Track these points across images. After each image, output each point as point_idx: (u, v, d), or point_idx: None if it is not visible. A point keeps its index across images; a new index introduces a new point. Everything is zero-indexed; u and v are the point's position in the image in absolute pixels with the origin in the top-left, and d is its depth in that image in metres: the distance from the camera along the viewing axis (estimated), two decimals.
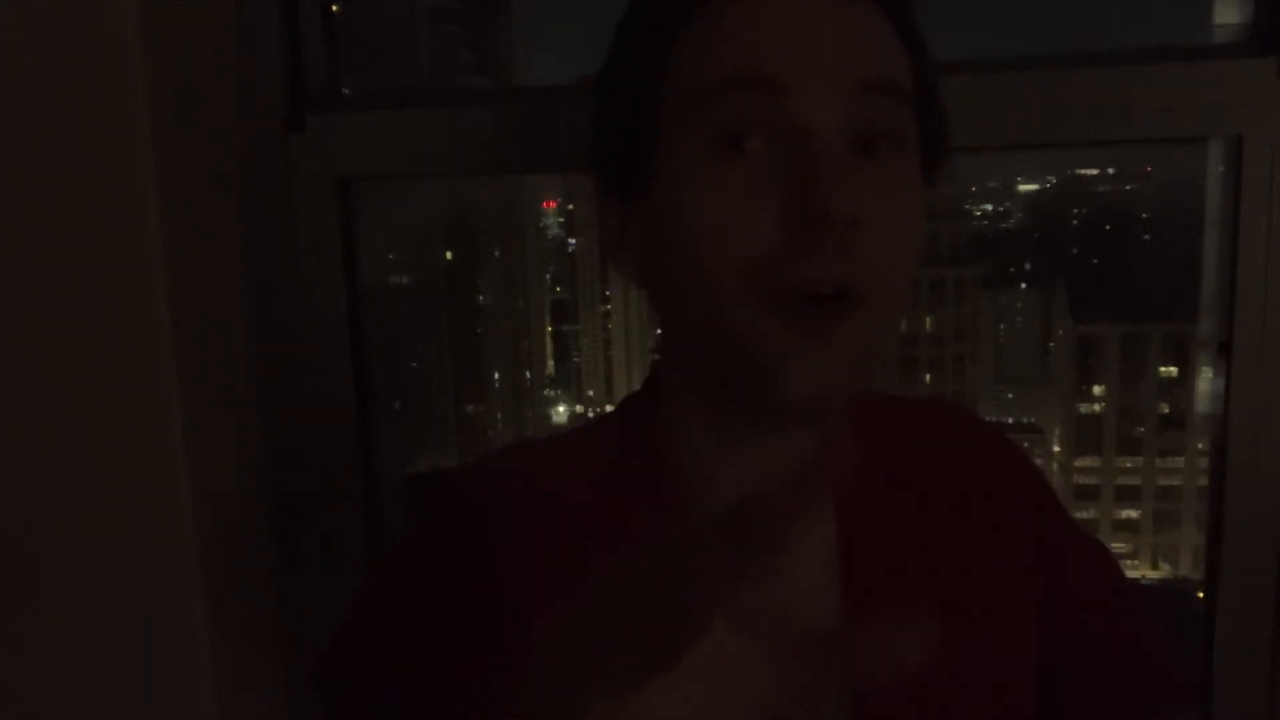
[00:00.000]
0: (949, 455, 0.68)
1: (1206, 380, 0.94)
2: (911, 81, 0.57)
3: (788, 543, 0.39)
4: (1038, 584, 0.66)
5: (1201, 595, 0.93)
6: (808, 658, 0.45)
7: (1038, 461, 0.77)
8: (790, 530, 0.38)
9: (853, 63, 0.54)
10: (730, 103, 0.54)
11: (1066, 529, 0.71)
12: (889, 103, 0.55)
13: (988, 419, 0.74)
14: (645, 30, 0.59)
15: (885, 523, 0.63)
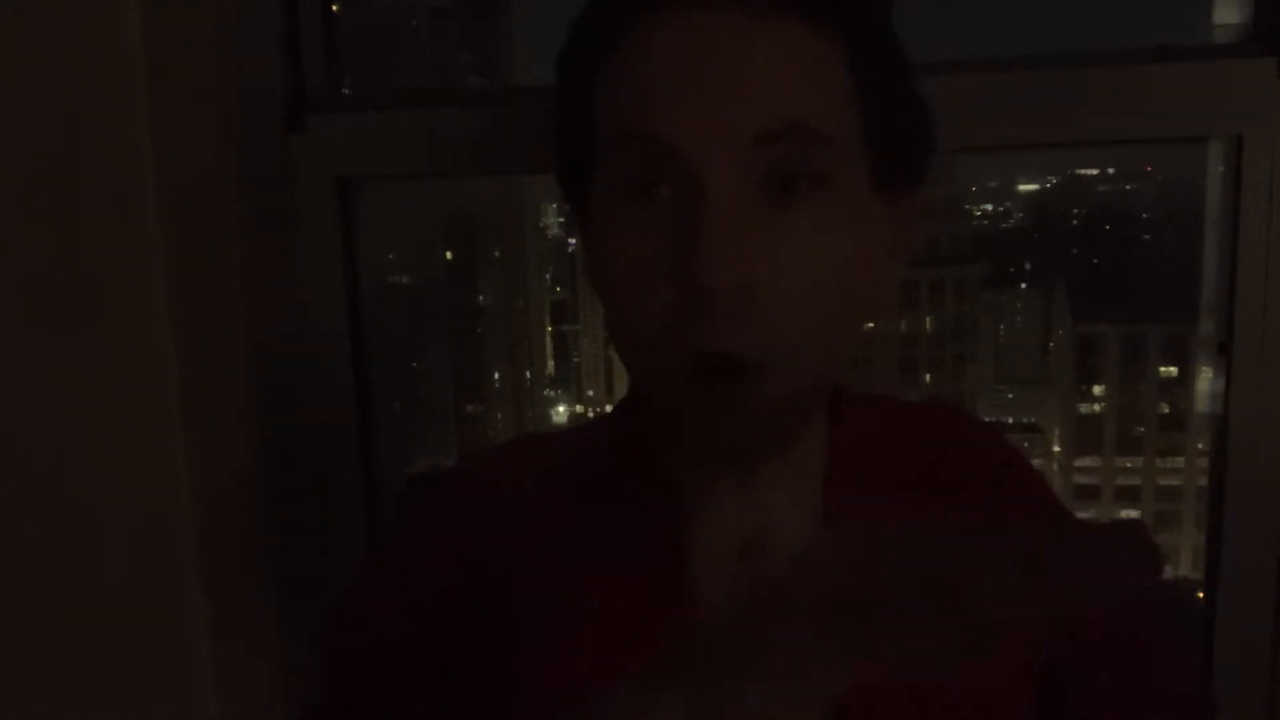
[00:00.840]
0: (947, 461, 0.67)
1: (1206, 380, 0.94)
2: (846, 105, 0.53)
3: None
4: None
5: (1201, 595, 0.93)
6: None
7: (1037, 462, 0.76)
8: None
9: (750, 111, 0.50)
10: (631, 157, 0.52)
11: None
12: (799, 145, 0.51)
13: (987, 420, 0.73)
14: (573, 64, 0.58)
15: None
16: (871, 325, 0.63)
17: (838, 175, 0.52)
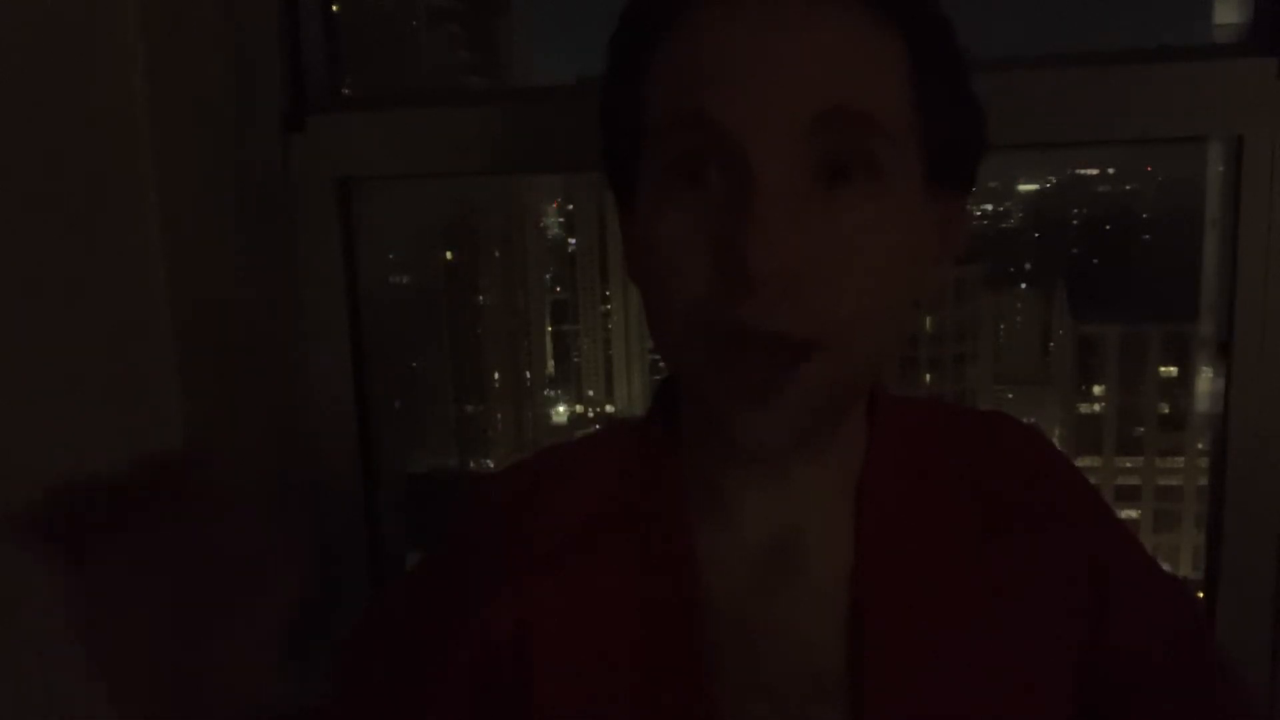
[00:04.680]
0: (988, 468, 0.65)
1: (1206, 380, 0.94)
2: (903, 94, 0.52)
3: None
4: (1085, 614, 0.62)
5: (1201, 595, 0.93)
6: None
7: None
8: None
9: (807, 96, 0.49)
10: (683, 141, 0.52)
11: (1128, 559, 0.66)
12: (854, 131, 0.50)
13: (1033, 429, 0.71)
14: (624, 49, 0.57)
15: (905, 540, 0.61)
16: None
17: (890, 167, 0.51)
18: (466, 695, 0.62)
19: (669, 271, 0.52)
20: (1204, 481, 0.95)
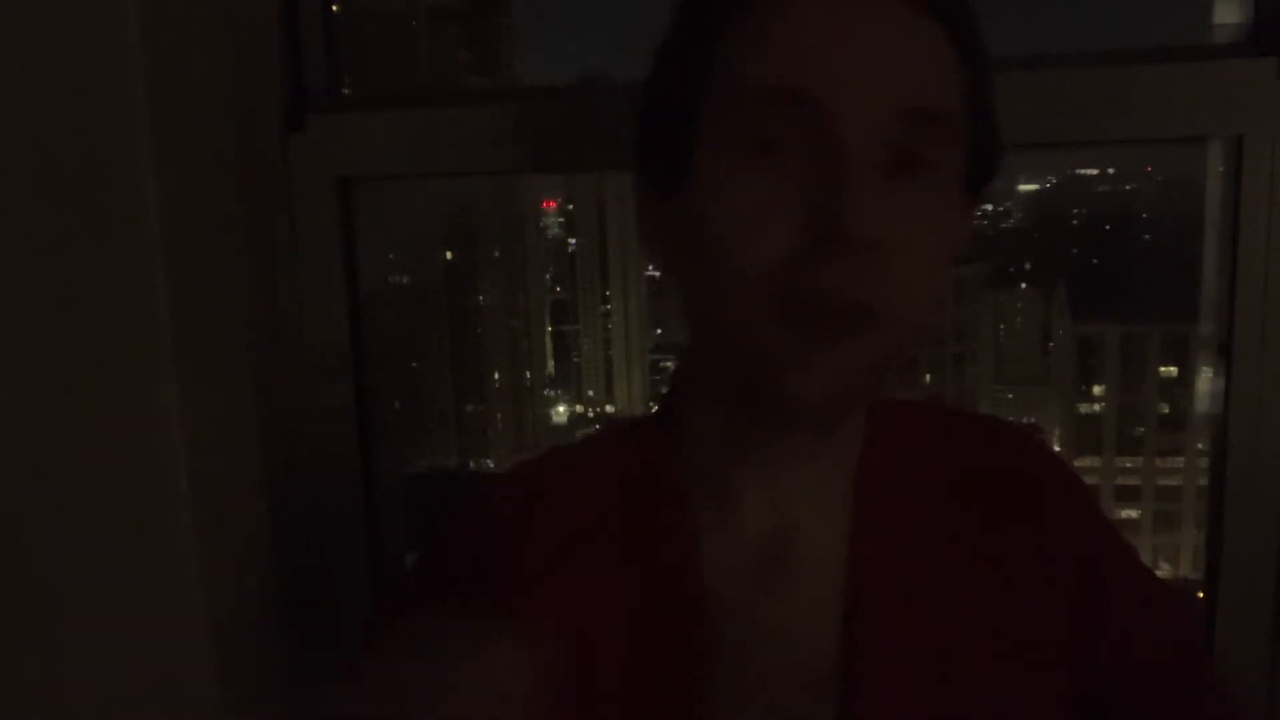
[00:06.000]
0: (983, 469, 0.66)
1: (1206, 380, 0.94)
2: (961, 100, 0.55)
3: None
4: (1078, 615, 0.63)
5: (1201, 595, 0.93)
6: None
7: None
8: None
9: (897, 86, 0.52)
10: (767, 112, 0.53)
11: (1121, 562, 0.67)
12: (930, 128, 0.54)
13: (1033, 433, 0.71)
14: (693, 23, 0.58)
15: (901, 539, 0.62)
16: None
17: (947, 164, 0.55)
18: None
19: (744, 238, 0.53)
20: (1204, 481, 0.95)
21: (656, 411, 0.68)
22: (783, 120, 0.53)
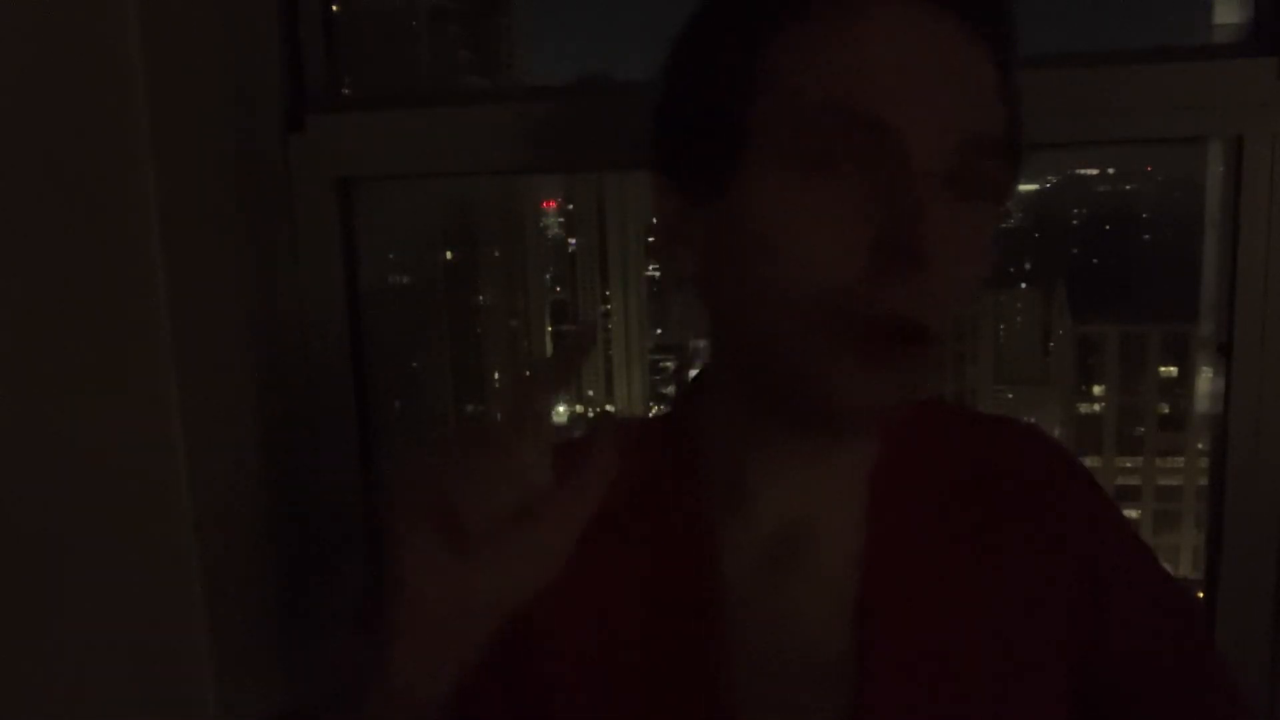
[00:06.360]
0: (998, 471, 0.66)
1: (1206, 380, 0.94)
2: (1005, 123, 0.56)
3: None
4: (1082, 614, 0.63)
5: (1201, 595, 0.93)
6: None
7: None
8: None
9: (963, 114, 0.53)
10: (830, 130, 0.52)
11: (1128, 561, 0.67)
12: (988, 157, 0.54)
13: (1050, 435, 0.72)
14: (730, 24, 0.57)
15: (912, 535, 0.62)
16: None
17: (996, 190, 0.56)
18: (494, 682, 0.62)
19: (806, 256, 0.53)
20: (1204, 481, 0.95)
21: (669, 411, 0.69)
22: (847, 139, 0.52)
